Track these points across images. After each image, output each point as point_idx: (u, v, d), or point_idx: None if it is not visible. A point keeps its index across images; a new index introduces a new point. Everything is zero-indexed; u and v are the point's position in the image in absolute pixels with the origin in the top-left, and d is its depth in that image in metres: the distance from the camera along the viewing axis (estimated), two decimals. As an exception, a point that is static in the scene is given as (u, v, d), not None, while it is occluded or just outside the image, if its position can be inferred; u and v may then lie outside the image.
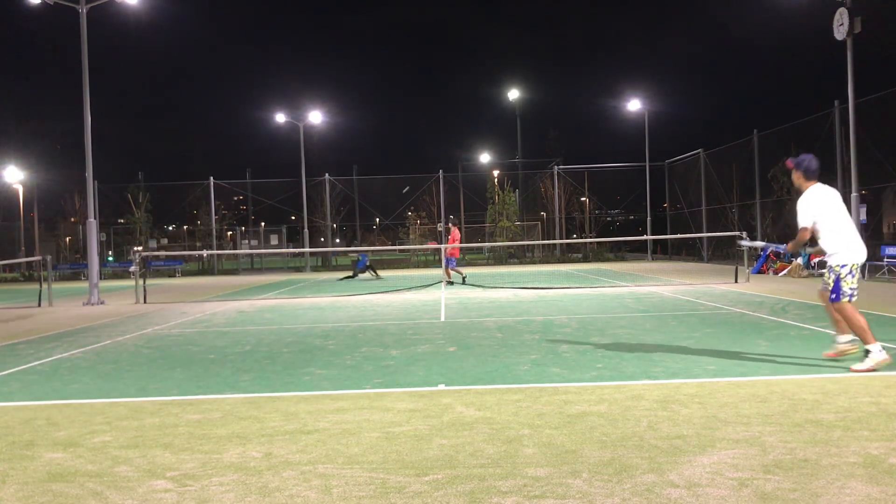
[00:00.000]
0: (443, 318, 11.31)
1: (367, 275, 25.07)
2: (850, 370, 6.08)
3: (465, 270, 25.31)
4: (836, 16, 17.82)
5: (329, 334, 9.82)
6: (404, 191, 35.14)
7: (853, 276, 6.13)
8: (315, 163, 42.06)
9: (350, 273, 25.46)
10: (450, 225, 20.76)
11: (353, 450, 4.28)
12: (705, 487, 3.46)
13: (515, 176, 42.07)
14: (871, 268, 17.96)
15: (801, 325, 9.29)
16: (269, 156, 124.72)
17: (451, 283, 19.74)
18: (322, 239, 38.43)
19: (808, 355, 7.01)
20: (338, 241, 42.22)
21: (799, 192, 6.46)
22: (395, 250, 39.48)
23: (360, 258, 25.52)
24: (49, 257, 18.87)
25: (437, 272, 23.97)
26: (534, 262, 34.46)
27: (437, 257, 35.45)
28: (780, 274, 20.00)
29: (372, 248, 35.22)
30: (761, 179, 25.99)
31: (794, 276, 19.27)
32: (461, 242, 19.98)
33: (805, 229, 6.28)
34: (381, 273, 25.07)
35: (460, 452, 4.15)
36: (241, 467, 4.02)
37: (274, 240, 38.76)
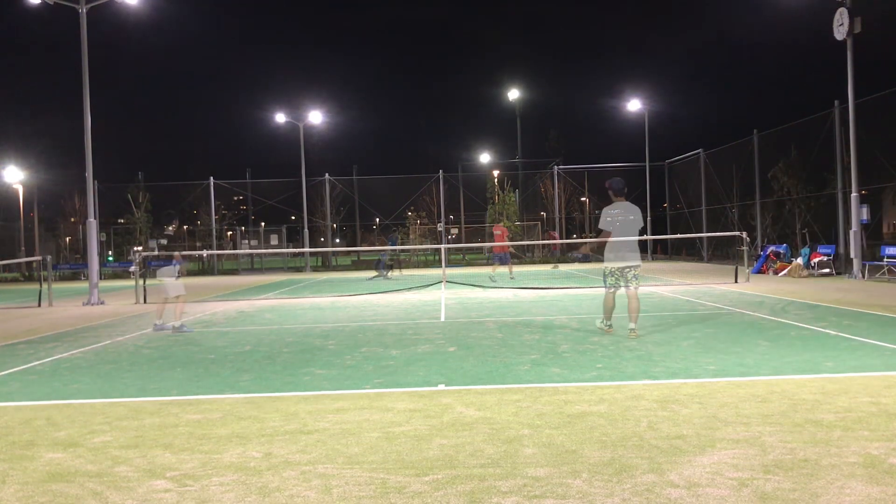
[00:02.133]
0: (443, 318, 11.32)
1: (392, 273, 25.60)
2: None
3: (466, 270, 25.48)
4: (836, 16, 17.82)
5: (329, 334, 9.82)
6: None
7: (610, 275, 8.68)
8: (315, 163, 42.06)
9: (376, 273, 25.98)
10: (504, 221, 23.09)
11: (353, 450, 4.28)
12: (705, 487, 3.46)
13: (515, 176, 42.11)
14: (872, 268, 17.97)
15: (801, 325, 9.29)
16: (269, 156, 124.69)
17: (511, 277, 21.58)
18: (322, 239, 38.44)
19: (808, 355, 7.01)
20: (338, 241, 42.22)
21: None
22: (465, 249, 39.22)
23: (381, 258, 26.03)
24: (49, 257, 18.86)
25: (437, 272, 23.99)
26: (534, 262, 34.47)
27: (436, 257, 35.47)
28: (780, 274, 20.00)
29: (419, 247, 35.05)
30: (761, 179, 25.99)
31: (795, 276, 19.27)
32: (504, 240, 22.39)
33: (604, 231, 8.69)
34: (382, 273, 25.12)
35: (460, 452, 4.15)
36: (241, 467, 4.02)
37: (274, 240, 38.76)
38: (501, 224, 22.85)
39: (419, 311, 12.57)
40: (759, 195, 26.30)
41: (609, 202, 8.92)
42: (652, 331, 9.10)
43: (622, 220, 8.59)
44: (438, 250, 26.99)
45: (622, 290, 8.69)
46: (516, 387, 5.94)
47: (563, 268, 28.09)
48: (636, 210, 8.73)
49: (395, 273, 27.05)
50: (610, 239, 8.62)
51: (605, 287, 8.80)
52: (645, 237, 32.95)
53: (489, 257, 37.01)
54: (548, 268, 27.79)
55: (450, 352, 7.93)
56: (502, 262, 21.78)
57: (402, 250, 27.70)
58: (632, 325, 8.47)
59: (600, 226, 8.72)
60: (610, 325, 8.89)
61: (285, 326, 11.02)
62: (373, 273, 25.58)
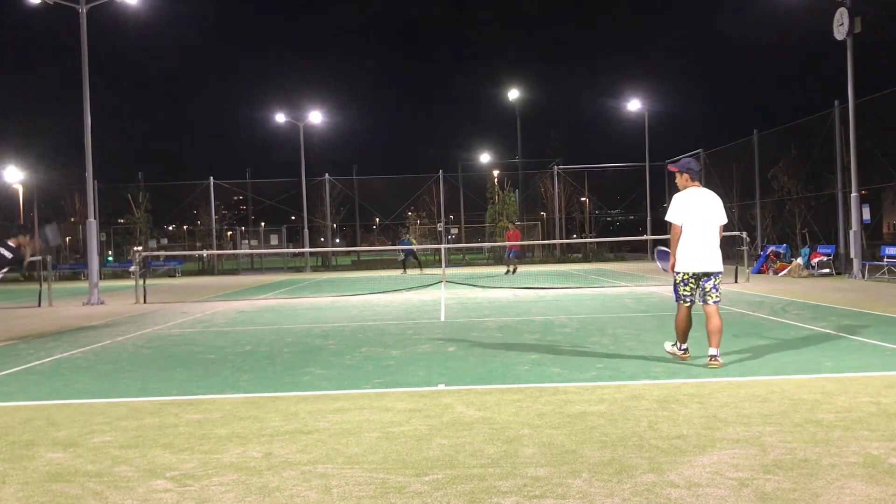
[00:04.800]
0: (443, 318, 11.32)
1: (411, 270, 26.13)
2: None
3: (467, 270, 25.51)
4: (836, 16, 17.82)
5: (329, 334, 9.82)
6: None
7: (685, 284, 6.70)
8: (315, 163, 42.09)
9: (402, 268, 26.89)
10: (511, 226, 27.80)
11: (353, 450, 4.28)
12: (705, 487, 3.46)
13: (515, 176, 42.10)
14: (872, 268, 17.97)
15: (801, 325, 9.29)
16: (269, 156, 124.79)
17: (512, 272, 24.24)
18: (322, 239, 38.42)
19: (808, 355, 7.01)
20: (338, 241, 42.21)
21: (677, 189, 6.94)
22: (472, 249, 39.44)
23: (403, 244, 27.05)
24: (49, 257, 18.86)
25: (438, 272, 24.01)
26: (534, 262, 34.46)
27: (437, 257, 35.46)
28: (780, 274, 19.99)
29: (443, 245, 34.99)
30: (761, 179, 25.99)
31: (795, 276, 19.26)
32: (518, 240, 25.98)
33: (674, 225, 6.72)
34: (379, 273, 25.23)
35: (460, 452, 4.15)
36: (241, 467, 4.02)
37: (274, 240, 38.74)
38: (513, 227, 26.65)
39: (419, 311, 12.57)
40: (759, 195, 26.30)
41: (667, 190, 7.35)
42: (652, 331, 9.10)
43: (698, 210, 6.58)
44: (438, 250, 27.02)
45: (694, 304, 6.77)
46: (516, 387, 5.94)
47: (528, 269, 27.20)
48: (716, 200, 6.72)
49: (400, 272, 27.19)
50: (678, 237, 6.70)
51: (677, 300, 6.74)
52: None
53: (487, 256, 37.12)
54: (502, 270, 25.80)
55: (450, 352, 7.93)
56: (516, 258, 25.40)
57: (418, 250, 28.20)
58: (713, 352, 6.52)
59: (668, 217, 6.71)
60: (686, 350, 6.88)
61: (285, 326, 11.02)
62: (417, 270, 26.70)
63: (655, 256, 7.68)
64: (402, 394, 5.83)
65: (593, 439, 4.33)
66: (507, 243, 25.88)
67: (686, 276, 6.63)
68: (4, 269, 10.15)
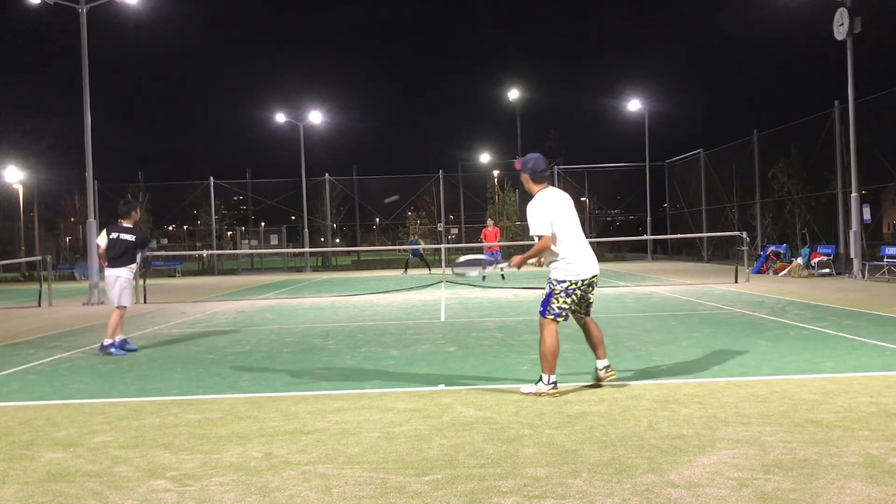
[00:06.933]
0: (443, 318, 11.32)
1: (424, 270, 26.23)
2: (520, 391, 5.66)
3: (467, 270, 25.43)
4: (836, 16, 17.83)
5: (329, 334, 9.82)
6: (388, 200, 33.66)
7: (567, 296, 5.54)
8: (315, 163, 42.11)
9: (404, 268, 26.99)
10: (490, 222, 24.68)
11: (353, 450, 4.28)
12: (705, 487, 3.46)
13: (515, 176, 42.04)
14: (872, 268, 17.96)
15: (801, 325, 9.29)
16: (269, 156, 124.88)
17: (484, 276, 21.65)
18: (322, 239, 38.42)
19: (808, 355, 7.01)
20: (338, 241, 42.22)
21: (529, 196, 5.79)
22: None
23: (412, 243, 27.01)
24: (49, 257, 18.86)
25: (437, 272, 24.02)
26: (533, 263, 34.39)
27: (436, 257, 35.48)
28: (780, 274, 20.00)
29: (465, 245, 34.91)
30: (761, 179, 25.99)
31: (795, 276, 19.26)
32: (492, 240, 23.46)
33: (545, 237, 5.52)
34: (379, 273, 25.25)
35: (460, 452, 4.15)
36: (241, 467, 4.02)
37: (274, 240, 38.74)
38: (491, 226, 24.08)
39: (419, 311, 12.57)
40: (759, 195, 26.30)
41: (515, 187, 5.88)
42: (652, 331, 9.10)
43: (566, 212, 5.67)
44: (438, 250, 27.08)
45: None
46: (516, 387, 5.94)
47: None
48: (568, 197, 5.88)
49: (401, 272, 27.33)
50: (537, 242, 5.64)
51: (546, 314, 5.60)
52: (649, 237, 33.09)
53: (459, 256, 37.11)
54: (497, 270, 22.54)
55: (450, 352, 7.93)
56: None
57: (425, 251, 28.02)
58: (606, 362, 5.87)
59: (538, 230, 5.55)
60: (556, 384, 5.59)
61: (285, 326, 11.02)
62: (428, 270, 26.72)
63: (459, 268, 6.61)
64: (402, 394, 5.83)
65: (593, 439, 4.33)
66: (486, 244, 22.64)
67: (574, 286, 5.51)
68: (136, 263, 8.64)
